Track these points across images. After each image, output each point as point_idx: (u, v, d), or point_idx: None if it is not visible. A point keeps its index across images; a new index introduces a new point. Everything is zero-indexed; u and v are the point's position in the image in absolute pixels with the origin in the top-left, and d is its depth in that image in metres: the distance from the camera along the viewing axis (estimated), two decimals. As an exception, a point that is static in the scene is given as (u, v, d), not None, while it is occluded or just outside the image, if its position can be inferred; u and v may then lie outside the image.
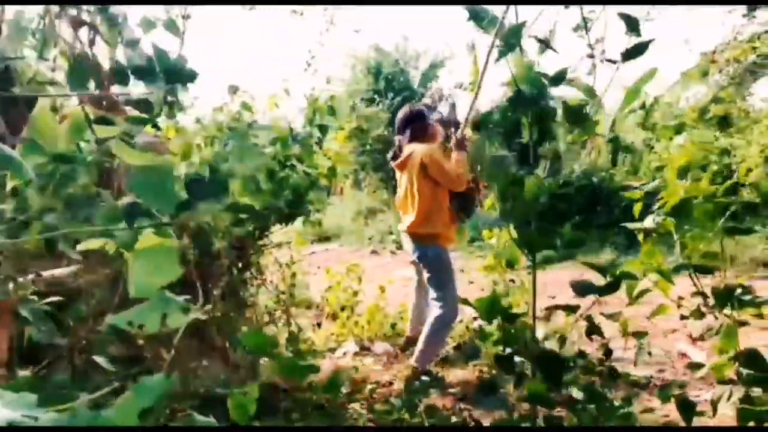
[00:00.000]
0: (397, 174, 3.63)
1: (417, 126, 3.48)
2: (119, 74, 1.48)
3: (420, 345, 3.51)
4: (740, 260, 6.77)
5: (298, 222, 3.44)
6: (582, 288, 1.00)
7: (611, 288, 1.01)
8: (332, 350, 4.55)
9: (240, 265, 2.77)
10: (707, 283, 1.56)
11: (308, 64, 3.85)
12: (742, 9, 5.50)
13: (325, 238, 12.79)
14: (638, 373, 3.40)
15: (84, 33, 1.80)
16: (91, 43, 1.79)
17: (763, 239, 6.87)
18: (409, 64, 13.26)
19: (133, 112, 1.63)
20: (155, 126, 1.86)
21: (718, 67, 6.81)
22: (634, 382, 3.20)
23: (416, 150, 3.36)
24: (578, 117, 1.17)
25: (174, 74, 1.94)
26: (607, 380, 2.64)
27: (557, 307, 1.08)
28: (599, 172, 8.43)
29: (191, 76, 1.70)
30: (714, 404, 1.18)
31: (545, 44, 1.16)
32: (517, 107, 1.00)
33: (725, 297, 1.24)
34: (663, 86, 10.20)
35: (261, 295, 3.10)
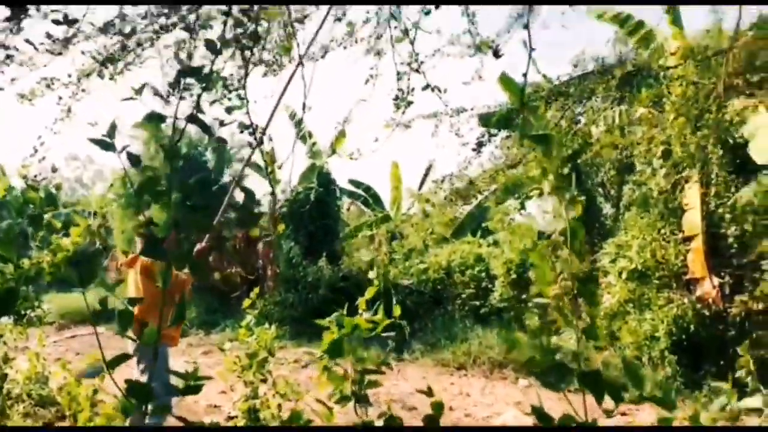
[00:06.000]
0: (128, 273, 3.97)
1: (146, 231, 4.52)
2: None
3: None
4: (481, 360, 7.59)
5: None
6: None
7: (192, 390, 1.17)
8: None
9: None
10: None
11: (35, 150, 4.14)
12: (473, 143, 6.42)
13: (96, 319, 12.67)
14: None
15: None
16: None
17: (500, 342, 7.65)
18: (210, 144, 12.66)
19: None
20: None
21: (444, 194, 7.84)
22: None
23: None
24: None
25: None
26: None
27: None
28: (379, 267, 9.10)
29: None
30: None
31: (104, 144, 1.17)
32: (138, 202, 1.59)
33: None
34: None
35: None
